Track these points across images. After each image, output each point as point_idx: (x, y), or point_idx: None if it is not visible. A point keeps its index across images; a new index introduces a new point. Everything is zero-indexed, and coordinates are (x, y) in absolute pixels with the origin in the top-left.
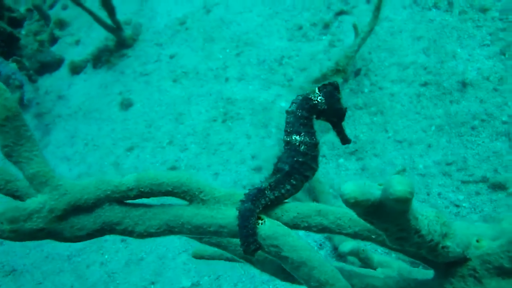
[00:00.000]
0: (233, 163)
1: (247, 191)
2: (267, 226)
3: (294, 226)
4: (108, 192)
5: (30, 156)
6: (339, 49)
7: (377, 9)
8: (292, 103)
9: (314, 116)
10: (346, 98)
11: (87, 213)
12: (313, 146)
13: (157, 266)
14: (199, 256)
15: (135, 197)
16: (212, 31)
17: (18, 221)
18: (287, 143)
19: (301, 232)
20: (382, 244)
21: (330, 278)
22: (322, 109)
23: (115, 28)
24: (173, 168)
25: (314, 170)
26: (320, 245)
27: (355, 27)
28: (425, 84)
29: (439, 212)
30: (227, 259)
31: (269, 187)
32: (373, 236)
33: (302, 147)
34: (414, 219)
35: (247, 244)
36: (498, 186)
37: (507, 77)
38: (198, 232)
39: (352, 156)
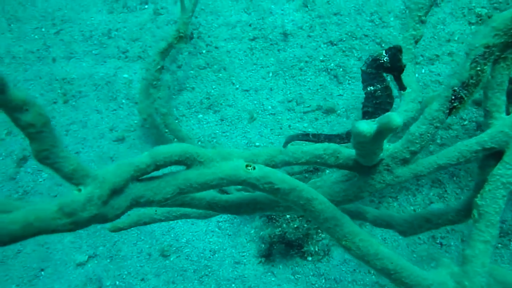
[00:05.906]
0: (91, 140)
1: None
2: (257, 170)
3: (266, 165)
4: (132, 173)
5: (65, 155)
6: (165, 17)
7: None
8: (364, 63)
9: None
10: (187, 60)
11: (119, 194)
12: (384, 88)
13: (41, 253)
14: (117, 229)
15: (151, 172)
16: (15, 11)
17: (76, 213)
18: (366, 94)
19: None
20: (322, 164)
21: (314, 194)
22: (386, 66)
23: None
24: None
25: (390, 103)
26: None
27: None
28: (253, 39)
29: None
30: (145, 223)
31: None
32: (318, 160)
33: (377, 93)
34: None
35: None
36: (329, 111)
37: (315, 25)
38: (203, 188)
39: (209, 110)
